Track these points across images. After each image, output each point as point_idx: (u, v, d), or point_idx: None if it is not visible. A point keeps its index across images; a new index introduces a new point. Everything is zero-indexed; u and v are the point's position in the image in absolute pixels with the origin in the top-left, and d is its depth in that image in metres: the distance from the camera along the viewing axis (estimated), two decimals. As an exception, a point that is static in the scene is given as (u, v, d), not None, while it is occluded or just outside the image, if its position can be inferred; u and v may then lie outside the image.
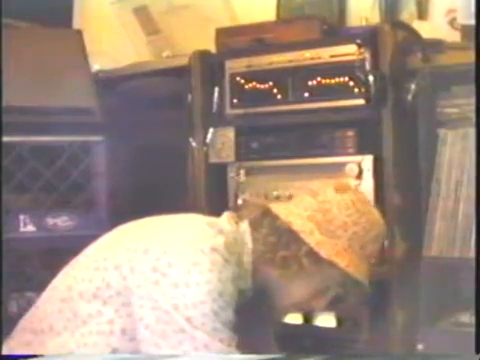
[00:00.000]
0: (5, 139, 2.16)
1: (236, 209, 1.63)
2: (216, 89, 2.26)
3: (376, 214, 1.59)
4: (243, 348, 1.49)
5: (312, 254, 1.51)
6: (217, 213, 2.27)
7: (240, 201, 1.59)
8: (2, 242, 2.11)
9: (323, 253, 1.50)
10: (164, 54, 2.59)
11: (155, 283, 1.45)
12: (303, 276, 1.54)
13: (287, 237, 1.52)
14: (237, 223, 1.58)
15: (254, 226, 1.56)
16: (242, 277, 1.53)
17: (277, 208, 1.57)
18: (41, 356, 1.52)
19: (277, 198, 2.15)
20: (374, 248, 1.57)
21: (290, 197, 1.80)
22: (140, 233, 1.56)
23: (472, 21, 1.87)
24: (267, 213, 1.56)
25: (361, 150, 2.06)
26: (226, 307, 1.45)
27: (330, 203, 1.54)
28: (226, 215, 1.61)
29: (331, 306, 1.63)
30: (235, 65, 2.22)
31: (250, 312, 1.56)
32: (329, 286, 1.56)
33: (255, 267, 1.55)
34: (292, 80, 2.13)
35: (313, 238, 1.51)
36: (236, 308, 1.49)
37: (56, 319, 1.53)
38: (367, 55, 2.00)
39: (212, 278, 1.44)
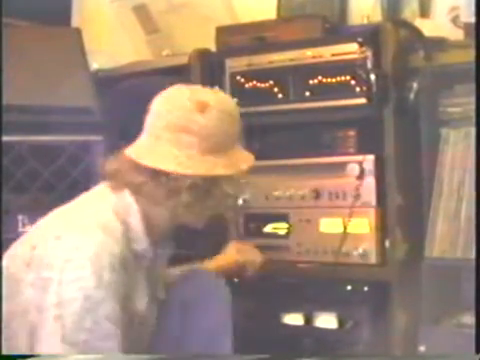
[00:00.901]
0: (4, 138, 2.15)
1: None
2: (216, 88, 2.24)
3: (229, 100, 1.64)
4: None
5: (228, 179, 1.56)
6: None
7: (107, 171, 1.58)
8: (1, 242, 2.10)
9: (233, 171, 1.56)
10: (164, 53, 2.58)
11: (43, 291, 1.45)
12: (225, 198, 1.60)
13: (203, 188, 1.54)
14: (115, 191, 1.57)
15: (152, 194, 1.55)
16: (135, 240, 1.54)
17: (165, 164, 1.52)
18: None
19: (277, 199, 2.15)
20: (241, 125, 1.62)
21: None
22: (21, 245, 1.55)
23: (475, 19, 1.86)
24: (159, 175, 1.53)
25: (362, 149, 2.05)
26: (102, 301, 1.43)
27: (206, 128, 1.54)
28: (101, 189, 1.59)
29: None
30: (235, 64, 2.21)
31: None
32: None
33: (151, 223, 1.56)
34: (293, 79, 2.12)
35: (219, 168, 1.54)
36: (143, 274, 1.54)
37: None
38: (369, 54, 1.99)
39: (84, 274, 1.43)
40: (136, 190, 1.56)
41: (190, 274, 1.81)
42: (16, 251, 1.56)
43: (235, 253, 1.96)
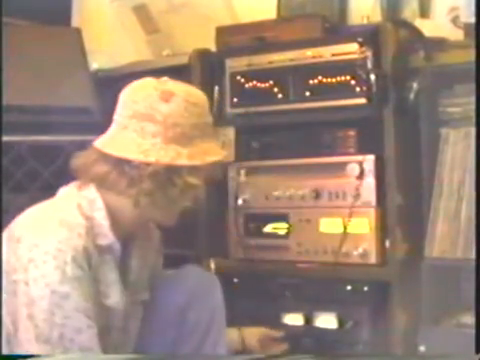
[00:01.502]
0: (4, 138, 2.15)
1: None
2: (216, 88, 2.25)
3: (197, 92, 1.62)
4: None
5: (192, 170, 1.54)
6: (217, 213, 2.27)
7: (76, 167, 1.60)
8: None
9: (198, 162, 1.54)
10: (164, 53, 2.58)
11: (13, 294, 1.45)
12: (193, 190, 1.57)
13: (164, 175, 1.53)
14: (80, 188, 1.57)
15: (115, 184, 1.54)
16: (101, 235, 1.54)
17: (128, 152, 1.52)
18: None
19: (277, 199, 2.15)
20: (211, 120, 1.62)
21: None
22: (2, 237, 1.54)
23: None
24: (122, 164, 1.53)
25: (362, 150, 2.05)
26: (68, 295, 1.44)
27: (171, 117, 1.53)
28: (67, 189, 1.60)
29: None
30: (235, 64, 2.21)
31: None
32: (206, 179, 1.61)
33: (117, 217, 1.55)
34: (293, 79, 2.12)
35: (183, 158, 1.53)
36: (112, 266, 1.53)
37: None
38: (369, 54, 1.99)
39: (48, 269, 1.43)
40: (101, 182, 1.56)
41: (182, 273, 1.80)
42: None
43: (255, 342, 1.96)
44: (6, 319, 1.47)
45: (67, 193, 1.59)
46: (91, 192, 1.56)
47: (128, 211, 1.58)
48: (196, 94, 1.61)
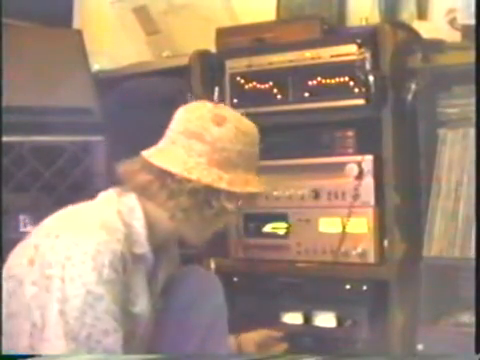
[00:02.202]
0: (5, 139, 2.16)
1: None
2: (216, 89, 2.25)
3: (248, 124, 1.64)
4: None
5: (229, 196, 1.57)
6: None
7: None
8: (2, 243, 2.10)
9: (237, 189, 1.56)
10: (164, 54, 2.58)
11: (46, 290, 1.46)
12: (227, 215, 1.61)
13: (203, 194, 1.56)
14: (121, 196, 1.59)
15: (156, 195, 1.57)
16: (137, 243, 1.55)
17: (173, 165, 1.55)
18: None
19: (277, 199, 2.15)
20: (258, 153, 1.65)
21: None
22: (26, 246, 1.55)
23: (472, 21, 1.86)
24: (165, 176, 1.56)
25: (361, 150, 2.06)
26: (102, 298, 1.45)
27: (220, 140, 1.56)
28: (107, 193, 1.62)
29: None
30: (235, 65, 2.22)
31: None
32: (241, 207, 1.63)
33: (154, 228, 1.57)
34: (292, 80, 2.13)
35: (223, 182, 1.55)
36: (143, 276, 1.56)
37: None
38: (367, 55, 1.99)
39: (85, 270, 1.45)
40: (142, 191, 1.58)
41: (184, 273, 1.81)
42: (19, 251, 1.57)
43: (252, 348, 1.96)
44: (34, 312, 1.47)
45: (107, 198, 1.61)
46: (131, 200, 1.58)
47: (164, 224, 1.60)
48: (247, 123, 1.64)
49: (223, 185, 1.55)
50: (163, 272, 1.69)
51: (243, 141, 1.59)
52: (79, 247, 1.46)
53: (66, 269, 1.45)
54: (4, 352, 1.53)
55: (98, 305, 1.45)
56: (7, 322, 1.51)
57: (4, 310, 1.52)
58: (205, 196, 1.56)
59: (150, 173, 1.58)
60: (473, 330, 1.70)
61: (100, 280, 1.45)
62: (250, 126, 1.64)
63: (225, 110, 1.63)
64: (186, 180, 1.55)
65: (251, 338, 1.92)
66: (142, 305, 1.59)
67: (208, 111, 1.60)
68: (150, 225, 1.58)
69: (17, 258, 1.55)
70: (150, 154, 1.60)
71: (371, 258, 2.02)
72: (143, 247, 1.57)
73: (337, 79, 2.05)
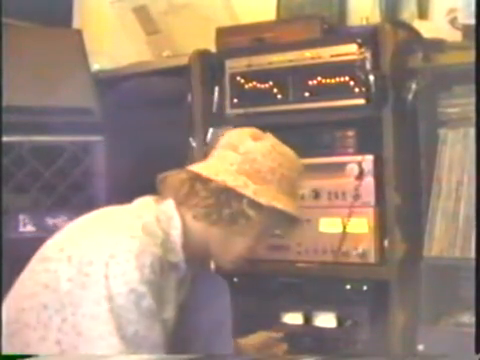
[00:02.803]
0: (4, 139, 2.16)
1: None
2: (216, 89, 2.25)
3: (291, 152, 1.68)
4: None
5: (253, 204, 1.59)
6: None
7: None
8: (2, 243, 2.10)
9: (262, 200, 1.58)
10: (164, 54, 2.58)
11: (82, 287, 1.48)
12: (249, 226, 1.61)
13: (225, 195, 1.59)
14: (159, 203, 1.62)
15: (185, 198, 1.61)
16: (172, 251, 1.58)
17: (204, 170, 1.61)
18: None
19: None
20: (299, 183, 1.70)
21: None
22: (62, 242, 1.57)
23: (473, 20, 1.86)
24: (196, 179, 1.61)
25: (361, 150, 2.05)
26: (145, 296, 1.48)
27: (253, 153, 1.61)
28: (145, 200, 1.65)
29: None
30: (235, 65, 2.22)
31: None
32: (269, 228, 1.66)
33: (189, 237, 1.60)
34: (292, 80, 2.13)
35: (249, 189, 1.58)
36: (174, 288, 1.56)
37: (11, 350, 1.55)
38: (367, 55, 1.99)
39: (129, 268, 1.47)
40: (175, 195, 1.62)
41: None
42: (55, 246, 1.58)
43: (252, 352, 1.96)
44: (67, 309, 1.49)
45: (145, 204, 1.64)
46: (170, 209, 1.61)
47: (198, 235, 1.62)
48: (288, 149, 1.67)
49: (248, 192, 1.58)
50: (188, 283, 1.70)
51: (278, 160, 1.62)
52: (123, 246, 1.49)
53: (110, 267, 1.47)
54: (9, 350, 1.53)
55: (142, 302, 1.47)
56: (41, 312, 1.51)
57: (38, 300, 1.52)
58: (227, 197, 1.59)
59: (184, 178, 1.62)
60: (473, 330, 1.69)
61: (142, 279, 1.47)
62: (290, 151, 1.68)
63: (268, 134, 1.67)
64: (211, 181, 1.59)
65: (251, 344, 1.92)
66: (168, 313, 1.60)
67: (250, 130, 1.67)
68: (185, 235, 1.61)
69: (55, 252, 1.55)
70: (191, 165, 1.66)
71: (371, 258, 2.01)
72: (178, 256, 1.60)
73: (337, 79, 2.05)
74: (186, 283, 1.67)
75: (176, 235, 1.59)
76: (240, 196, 1.59)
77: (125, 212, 1.61)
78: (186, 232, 1.61)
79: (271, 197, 1.59)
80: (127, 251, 1.48)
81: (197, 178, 1.61)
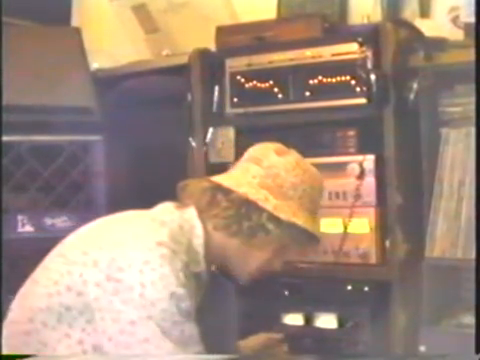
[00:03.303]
0: (4, 138, 2.15)
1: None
2: (216, 88, 2.25)
3: (314, 170, 1.68)
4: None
5: (272, 218, 1.58)
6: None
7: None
8: (1, 243, 2.09)
9: (282, 216, 1.58)
10: (163, 52, 2.58)
11: (113, 293, 1.47)
12: (268, 240, 1.61)
13: (246, 207, 1.58)
14: (181, 210, 1.61)
15: (206, 207, 1.60)
16: (194, 261, 1.57)
17: (225, 181, 1.61)
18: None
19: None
20: (319, 201, 1.68)
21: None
22: (85, 245, 1.56)
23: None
24: (217, 189, 1.60)
25: (363, 149, 2.05)
26: (184, 298, 1.49)
27: (276, 167, 1.62)
28: (166, 206, 1.64)
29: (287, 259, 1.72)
30: (235, 64, 2.21)
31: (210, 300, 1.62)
32: (287, 244, 1.64)
33: (209, 247, 1.60)
34: (293, 79, 2.12)
35: (269, 204, 1.58)
36: (195, 294, 1.55)
37: (24, 351, 1.53)
38: (369, 54, 1.98)
39: (165, 272, 1.47)
40: (197, 204, 1.61)
41: None
42: (78, 247, 1.56)
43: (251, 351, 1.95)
44: (95, 314, 1.49)
45: (167, 210, 1.62)
46: (192, 217, 1.61)
47: (218, 246, 1.62)
48: (311, 166, 1.67)
49: (268, 206, 1.58)
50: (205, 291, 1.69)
51: (301, 177, 1.62)
52: (154, 252, 1.49)
53: (145, 273, 1.47)
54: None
55: (182, 304, 1.48)
56: (63, 313, 1.50)
57: (58, 300, 1.51)
58: (247, 210, 1.58)
59: (205, 187, 1.62)
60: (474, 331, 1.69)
61: (179, 282, 1.48)
62: (313, 169, 1.67)
63: (292, 150, 1.67)
64: (233, 192, 1.59)
65: (250, 346, 1.91)
66: None
67: (274, 145, 1.67)
68: (207, 245, 1.60)
69: (78, 254, 1.54)
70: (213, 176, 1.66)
71: (373, 259, 2.01)
72: (200, 266, 1.59)
73: (338, 78, 2.04)
74: (202, 290, 1.65)
75: (198, 244, 1.59)
76: (260, 210, 1.58)
77: (148, 217, 1.60)
78: (207, 242, 1.60)
79: (291, 213, 1.59)
80: (160, 257, 1.48)
81: (218, 188, 1.60)
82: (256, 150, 1.67)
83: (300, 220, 1.59)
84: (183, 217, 1.60)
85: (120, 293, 1.47)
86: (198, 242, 1.59)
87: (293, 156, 1.65)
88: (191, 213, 1.61)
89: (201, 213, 1.61)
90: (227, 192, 1.59)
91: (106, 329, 1.48)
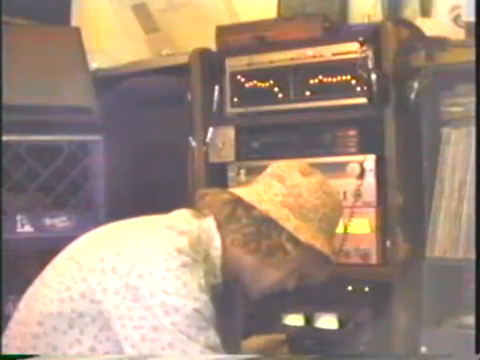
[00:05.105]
0: (3, 138, 2.15)
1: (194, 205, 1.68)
2: (216, 88, 2.24)
3: (336, 194, 1.69)
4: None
5: (291, 239, 1.57)
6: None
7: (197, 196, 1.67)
8: (1, 243, 2.09)
9: (302, 237, 1.57)
10: (163, 52, 2.58)
11: (133, 300, 1.46)
12: (285, 260, 1.60)
13: (266, 225, 1.57)
14: (199, 219, 1.61)
15: (225, 220, 1.60)
16: (211, 272, 1.57)
17: (247, 196, 1.59)
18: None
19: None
20: (337, 225, 1.69)
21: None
22: (102, 251, 1.54)
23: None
24: (238, 203, 1.59)
25: (363, 149, 2.04)
26: (207, 304, 1.49)
27: (299, 187, 1.60)
28: (183, 213, 1.63)
29: (300, 282, 1.70)
30: (235, 63, 2.21)
31: (221, 309, 1.59)
32: (303, 265, 1.63)
33: (226, 260, 1.59)
34: (293, 78, 2.12)
35: (290, 223, 1.57)
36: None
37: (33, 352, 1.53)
38: (369, 53, 1.98)
39: (187, 279, 1.47)
40: (216, 215, 1.61)
41: None
42: (94, 253, 1.55)
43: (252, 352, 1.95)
44: (115, 322, 1.48)
45: (185, 219, 1.61)
46: (211, 229, 1.60)
47: (234, 261, 1.61)
48: (334, 190, 1.67)
49: (289, 226, 1.56)
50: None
51: (323, 200, 1.61)
52: (176, 260, 1.48)
53: (168, 281, 1.46)
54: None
55: (205, 311, 1.48)
56: (76, 319, 1.50)
57: (70, 306, 1.50)
58: (268, 228, 1.57)
59: (226, 199, 1.61)
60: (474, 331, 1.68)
61: (201, 288, 1.49)
62: (335, 192, 1.68)
63: (317, 172, 1.65)
64: (254, 208, 1.57)
65: (252, 347, 1.91)
66: None
67: (300, 164, 1.66)
68: (223, 258, 1.60)
69: (95, 261, 1.52)
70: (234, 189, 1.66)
71: (373, 259, 2.01)
72: (216, 278, 1.59)
73: (339, 77, 2.04)
74: (216, 303, 1.63)
75: (216, 256, 1.59)
76: (280, 229, 1.57)
77: (164, 224, 1.57)
78: (224, 255, 1.60)
79: (310, 235, 1.58)
80: (181, 265, 1.48)
81: (239, 202, 1.59)
82: (280, 167, 1.65)
83: (318, 242, 1.58)
84: (201, 227, 1.59)
85: (141, 300, 1.46)
86: (216, 254, 1.58)
87: (317, 177, 1.63)
88: (210, 223, 1.60)
89: (220, 226, 1.60)
90: (248, 208, 1.58)
91: (128, 336, 1.47)
